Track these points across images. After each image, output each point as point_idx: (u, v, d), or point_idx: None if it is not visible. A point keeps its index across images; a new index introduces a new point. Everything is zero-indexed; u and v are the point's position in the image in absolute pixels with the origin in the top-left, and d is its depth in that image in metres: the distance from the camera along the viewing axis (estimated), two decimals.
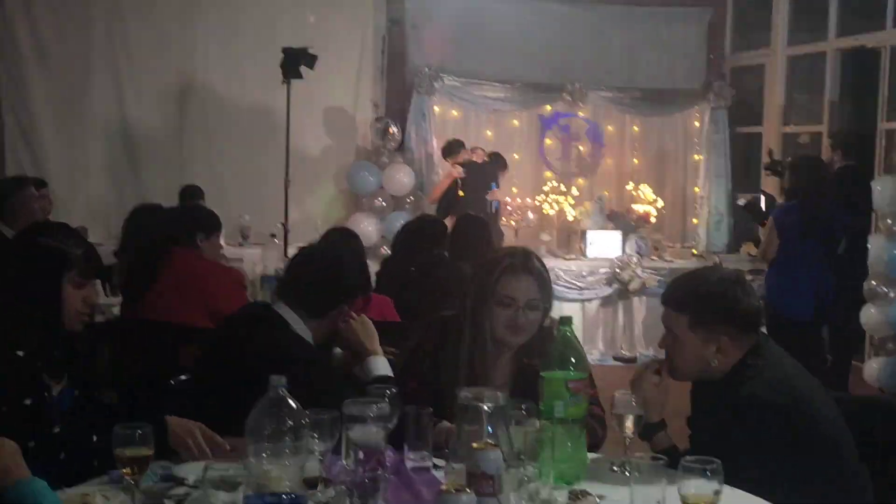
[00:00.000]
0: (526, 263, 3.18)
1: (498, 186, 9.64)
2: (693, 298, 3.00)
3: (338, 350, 3.29)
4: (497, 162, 9.85)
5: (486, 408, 2.49)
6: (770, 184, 8.88)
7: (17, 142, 9.50)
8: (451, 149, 9.84)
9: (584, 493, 2.60)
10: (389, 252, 6.88)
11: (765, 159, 8.69)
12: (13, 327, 3.04)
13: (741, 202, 9.29)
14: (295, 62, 8.73)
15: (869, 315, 8.16)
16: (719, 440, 2.80)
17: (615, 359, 9.39)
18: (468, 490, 2.12)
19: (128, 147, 9.94)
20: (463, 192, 9.44)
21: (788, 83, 10.79)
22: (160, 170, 9.70)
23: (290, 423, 2.20)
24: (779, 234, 7.10)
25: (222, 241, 6.80)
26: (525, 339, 3.15)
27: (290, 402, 2.23)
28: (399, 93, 10.58)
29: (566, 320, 2.89)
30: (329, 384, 3.01)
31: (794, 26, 10.67)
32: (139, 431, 2.44)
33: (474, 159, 9.71)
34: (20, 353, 2.96)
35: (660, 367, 3.05)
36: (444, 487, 2.15)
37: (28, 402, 2.93)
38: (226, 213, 9.06)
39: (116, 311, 5.59)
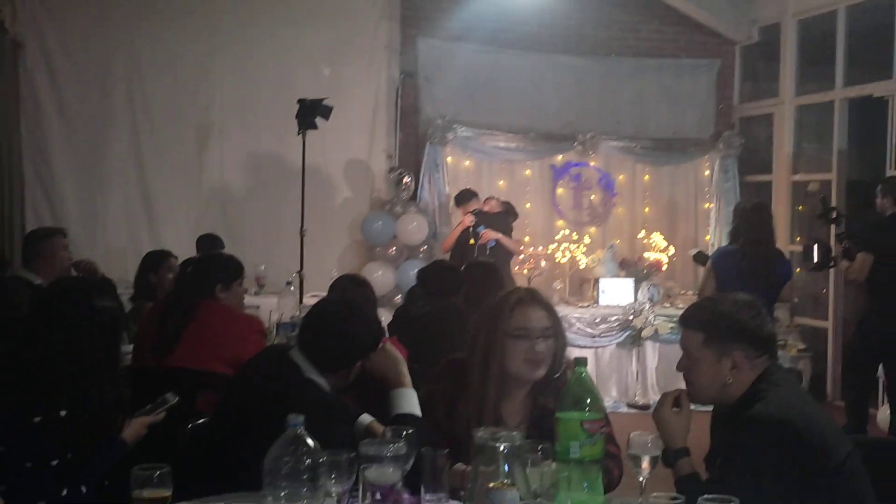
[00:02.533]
0: (534, 296, 3.23)
1: (505, 233, 9.62)
2: (707, 316, 3.07)
3: (363, 418, 3.24)
4: (509, 211, 9.87)
5: (502, 448, 2.49)
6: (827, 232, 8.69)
7: (37, 193, 9.51)
8: (463, 198, 9.86)
9: None
10: (402, 300, 6.89)
11: (818, 209, 8.57)
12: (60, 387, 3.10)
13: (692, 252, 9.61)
14: (310, 113, 8.78)
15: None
16: (730, 465, 2.85)
17: (629, 405, 9.35)
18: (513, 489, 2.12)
19: (145, 198, 9.95)
20: (475, 240, 9.45)
21: (797, 132, 10.78)
22: (176, 217, 9.72)
23: (308, 461, 2.19)
24: (716, 277, 7.15)
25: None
26: (543, 373, 3.13)
27: (308, 440, 2.23)
28: (412, 143, 10.59)
29: (581, 361, 2.88)
30: (344, 427, 3.00)
31: (801, 76, 10.69)
32: (158, 472, 2.44)
33: (487, 209, 9.72)
34: (62, 414, 3.02)
35: (680, 394, 3.08)
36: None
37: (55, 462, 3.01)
38: (243, 262, 9.16)
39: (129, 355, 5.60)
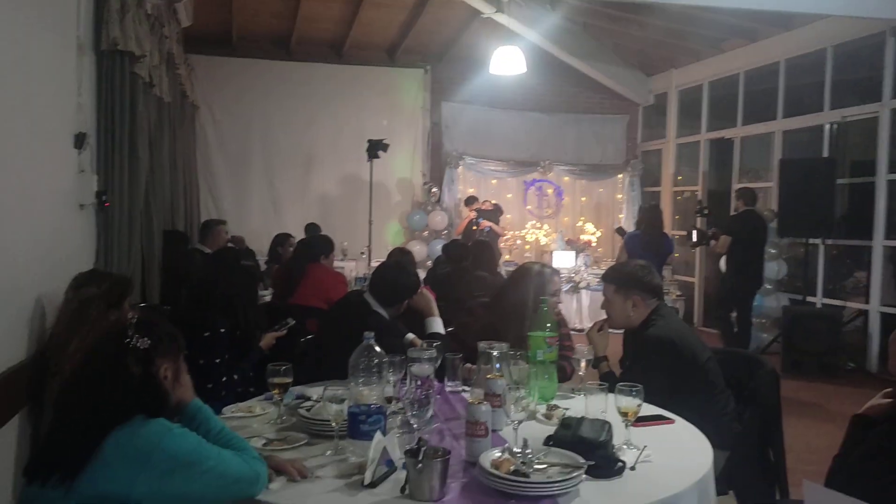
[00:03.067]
0: (556, 271, 3.26)
1: (495, 223, 9.60)
2: (617, 273, 3.12)
3: (409, 336, 3.22)
4: (498, 209, 9.85)
5: (495, 353, 2.49)
6: (699, 222, 8.69)
7: (207, 197, 9.59)
8: (469, 201, 9.88)
9: (555, 406, 2.58)
10: (432, 264, 6.88)
11: (696, 207, 8.73)
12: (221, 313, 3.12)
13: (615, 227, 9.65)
14: (375, 148, 8.77)
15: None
16: (635, 367, 2.88)
17: (571, 329, 9.30)
18: (485, 403, 2.10)
19: (273, 199, 10.02)
20: (476, 227, 9.44)
21: (677, 160, 10.74)
22: (293, 212, 9.74)
23: (376, 361, 2.19)
24: (627, 250, 7.24)
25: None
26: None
27: (376, 348, 2.22)
28: (438, 167, 10.57)
29: (544, 301, 2.87)
30: (397, 340, 3.00)
31: (680, 125, 10.63)
32: (283, 367, 2.45)
33: (484, 208, 9.71)
34: (222, 331, 3.04)
35: (602, 323, 3.10)
36: (470, 401, 2.13)
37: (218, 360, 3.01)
38: (333, 239, 9.16)
39: (268, 298, 5.62)
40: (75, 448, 1.57)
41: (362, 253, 9.19)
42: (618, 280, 3.05)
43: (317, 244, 5.29)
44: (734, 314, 7.45)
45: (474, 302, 3.35)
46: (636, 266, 3.09)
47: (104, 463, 1.55)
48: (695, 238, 7.98)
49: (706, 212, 8.33)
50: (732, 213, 7.56)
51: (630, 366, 2.95)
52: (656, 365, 2.78)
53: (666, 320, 2.97)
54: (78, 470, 1.54)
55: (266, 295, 5.76)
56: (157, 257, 4.79)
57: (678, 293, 10.04)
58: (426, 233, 10.14)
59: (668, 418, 2.51)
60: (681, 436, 2.38)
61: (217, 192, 9.80)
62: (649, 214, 7.35)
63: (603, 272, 3.28)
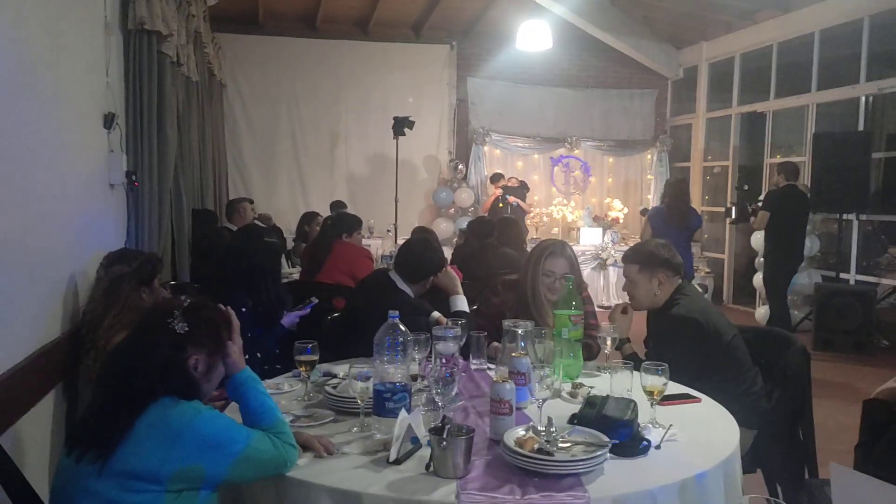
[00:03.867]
0: (563, 250, 3.12)
1: (521, 199, 9.54)
2: (639, 253, 3.06)
3: (434, 314, 3.23)
4: (524, 185, 9.78)
5: (520, 331, 2.48)
6: (738, 198, 8.45)
7: (235, 174, 9.66)
8: (495, 178, 9.80)
9: (581, 385, 2.57)
10: (458, 241, 6.87)
11: (735, 183, 8.47)
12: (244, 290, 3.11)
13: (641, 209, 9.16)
14: (401, 125, 8.75)
15: (757, 279, 8.04)
16: (659, 346, 2.84)
17: (598, 307, 9.26)
18: (509, 381, 2.10)
19: (300, 177, 10.06)
20: (503, 204, 9.40)
21: (706, 135, 10.55)
22: (319, 190, 9.78)
23: (401, 339, 2.19)
24: (652, 227, 6.96)
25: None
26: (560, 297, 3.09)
27: (401, 326, 2.22)
28: (464, 144, 10.51)
29: (569, 278, 2.86)
30: (423, 318, 3.00)
31: (710, 99, 10.43)
32: (310, 344, 2.46)
33: (510, 184, 9.66)
34: (244, 310, 3.02)
35: (625, 305, 3.07)
36: (495, 379, 2.13)
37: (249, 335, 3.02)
38: (359, 216, 9.16)
39: (296, 276, 5.66)
40: (111, 424, 1.60)
41: (388, 230, 9.22)
42: (641, 259, 3.01)
43: (342, 221, 5.30)
44: (758, 286, 7.30)
45: (498, 279, 3.33)
46: (657, 244, 3.06)
47: (136, 441, 1.58)
48: (734, 214, 7.83)
49: (746, 187, 8.09)
50: (772, 188, 7.33)
51: (654, 346, 2.92)
52: (681, 344, 2.75)
53: (690, 299, 2.93)
54: (113, 447, 1.57)
55: (294, 273, 5.81)
56: (186, 236, 4.85)
57: (707, 270, 9.93)
58: (452, 210, 10.12)
59: (695, 397, 2.49)
60: (707, 415, 2.36)
61: (245, 171, 9.87)
62: (675, 188, 7.10)
63: (623, 253, 3.22)
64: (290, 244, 7.20)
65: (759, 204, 7.25)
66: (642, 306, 3.04)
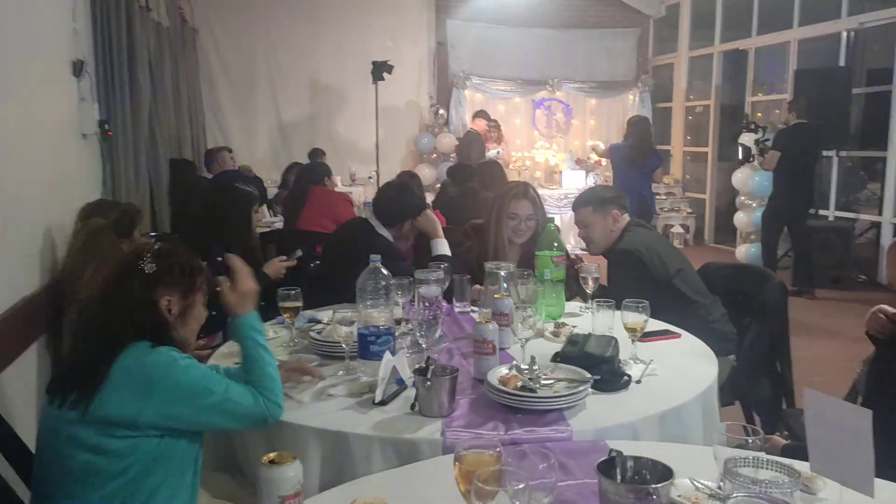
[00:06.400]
0: (526, 191, 3.14)
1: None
2: (590, 195, 3.17)
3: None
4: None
5: (503, 273, 2.50)
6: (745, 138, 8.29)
7: (213, 124, 9.51)
8: (479, 114, 9.70)
9: (563, 324, 2.60)
10: (440, 186, 6.84)
11: (742, 123, 8.23)
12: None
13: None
14: (380, 70, 8.62)
15: (738, 218, 8.10)
16: (610, 283, 2.95)
17: (581, 249, 9.30)
18: (492, 322, 2.12)
19: (280, 125, 9.93)
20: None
21: (689, 74, 10.48)
22: (299, 137, 9.65)
23: (383, 283, 2.20)
24: (612, 165, 7.06)
25: (338, 181, 6.91)
26: (525, 240, 3.11)
27: (383, 270, 2.22)
28: (445, 88, 10.37)
29: (550, 220, 2.87)
30: (403, 263, 3.00)
31: (692, 38, 10.33)
32: (293, 291, 2.47)
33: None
34: (219, 259, 2.96)
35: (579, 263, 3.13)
36: (477, 320, 2.15)
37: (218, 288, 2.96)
38: (340, 165, 9.13)
39: (279, 225, 5.63)
40: (88, 369, 1.59)
41: (370, 177, 9.15)
42: (593, 200, 3.09)
43: (315, 168, 5.26)
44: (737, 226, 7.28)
45: (469, 224, 3.33)
46: (601, 187, 3.33)
47: (113, 387, 1.57)
48: (740, 154, 7.77)
49: (753, 126, 7.92)
50: (782, 125, 7.20)
51: (608, 283, 2.96)
52: (627, 277, 2.84)
53: (633, 234, 3.02)
54: (92, 391, 1.56)
55: (276, 222, 5.78)
56: (164, 186, 4.79)
57: (689, 210, 9.99)
58: (434, 156, 10.05)
59: (675, 333, 2.53)
60: (686, 349, 2.40)
61: (223, 120, 9.69)
62: (638, 127, 6.94)
63: (573, 202, 3.24)
64: (272, 193, 7.13)
65: (768, 143, 7.12)
66: (599, 249, 3.10)
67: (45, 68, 2.98)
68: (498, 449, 1.27)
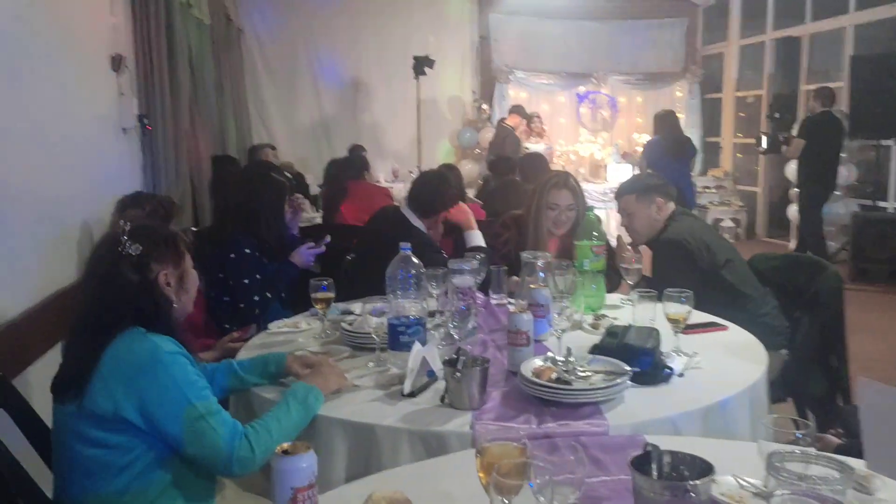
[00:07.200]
0: (566, 181, 3.04)
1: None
2: (633, 183, 3.08)
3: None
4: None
5: (540, 262, 2.42)
6: (768, 127, 8.21)
7: (257, 122, 9.57)
8: (514, 110, 9.51)
9: (603, 316, 2.51)
10: (481, 180, 6.79)
11: (768, 113, 8.19)
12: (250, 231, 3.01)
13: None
14: (421, 65, 8.58)
15: (792, 211, 7.84)
16: (656, 275, 2.82)
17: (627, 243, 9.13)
18: (527, 312, 2.04)
19: (322, 121, 9.93)
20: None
21: (739, 63, 10.18)
22: (342, 134, 9.64)
23: (413, 272, 2.14)
24: (647, 159, 6.97)
25: (380, 177, 6.90)
26: (565, 231, 3.01)
27: (413, 259, 2.16)
28: (488, 83, 10.26)
29: (590, 209, 2.77)
30: (438, 255, 2.94)
31: (743, 26, 10.03)
32: (325, 282, 2.42)
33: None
34: (247, 251, 2.93)
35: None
36: (512, 310, 2.07)
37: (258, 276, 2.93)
38: (383, 161, 9.13)
39: (318, 220, 5.62)
40: (80, 360, 1.54)
41: (411, 172, 9.11)
42: (637, 188, 2.99)
43: (352, 162, 5.24)
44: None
45: (508, 214, 3.25)
46: (647, 174, 3.16)
47: (101, 379, 1.51)
48: (764, 144, 7.60)
49: (776, 115, 7.81)
50: (807, 114, 7.08)
51: (652, 275, 2.85)
52: (674, 268, 2.73)
53: (679, 223, 2.91)
54: (84, 383, 1.51)
55: (316, 217, 5.77)
56: (206, 181, 4.82)
57: (740, 204, 9.71)
58: (477, 150, 9.96)
59: (722, 325, 2.42)
60: (734, 342, 2.28)
61: (268, 119, 9.75)
62: (666, 120, 7.01)
63: (615, 191, 3.16)
64: (315, 190, 7.13)
65: (793, 132, 7.03)
66: (642, 238, 3.00)
67: (84, 63, 3.00)
68: (523, 441, 1.19)
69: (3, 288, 2.18)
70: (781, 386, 2.69)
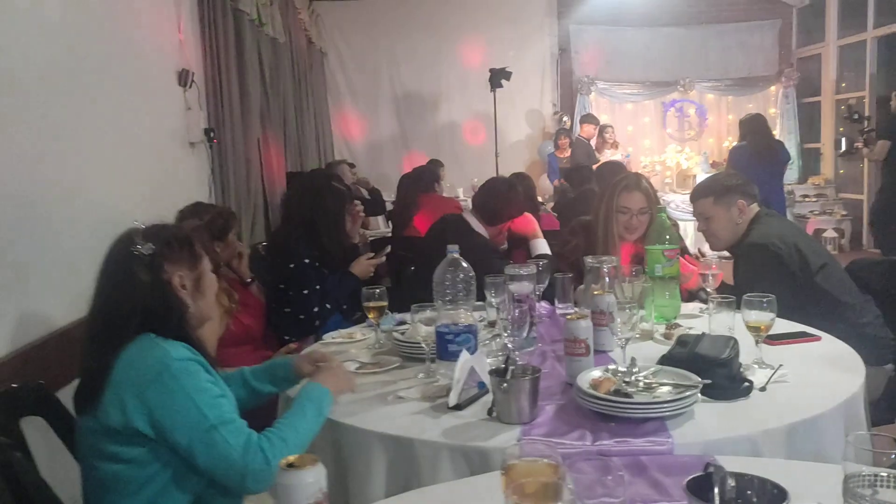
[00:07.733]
0: (638, 183, 2.83)
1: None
2: (711, 185, 2.82)
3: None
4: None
5: (604, 268, 2.24)
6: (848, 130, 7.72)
7: (339, 139, 9.76)
8: (585, 118, 9.31)
9: (676, 325, 2.30)
10: (558, 191, 6.64)
11: (844, 114, 7.66)
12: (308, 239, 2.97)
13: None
14: (498, 77, 8.48)
15: None
16: (740, 282, 2.55)
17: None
18: (585, 319, 1.87)
19: (402, 138, 10.01)
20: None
21: (839, 65, 9.59)
22: (420, 150, 9.62)
23: (462, 276, 2.00)
24: (733, 167, 6.41)
25: (460, 192, 6.86)
26: (637, 236, 2.80)
27: (463, 263, 2.03)
28: (568, 95, 10.08)
29: (662, 209, 2.57)
30: (499, 261, 2.79)
31: (841, 24, 9.44)
32: (378, 290, 2.33)
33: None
34: (306, 261, 2.90)
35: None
36: (568, 317, 1.90)
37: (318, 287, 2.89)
38: (460, 177, 9.06)
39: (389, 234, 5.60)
40: (94, 370, 1.47)
41: None
42: (715, 190, 2.73)
43: (422, 174, 5.18)
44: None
45: (576, 220, 3.07)
46: (726, 175, 2.88)
47: (112, 387, 1.44)
48: (843, 147, 7.13)
49: (856, 116, 7.27)
50: (893, 113, 6.55)
51: (735, 283, 2.59)
52: (761, 275, 2.45)
53: (766, 225, 2.65)
54: (99, 394, 1.44)
55: (388, 232, 5.75)
56: (279, 197, 4.85)
57: (844, 213, 9.09)
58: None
59: (814, 335, 2.16)
60: (827, 354, 2.02)
61: (350, 139, 9.93)
62: (752, 124, 6.60)
63: (690, 194, 2.91)
64: (391, 206, 7.14)
65: (873, 133, 6.50)
66: (722, 243, 2.76)
67: (151, 78, 3.04)
68: (556, 458, 1.03)
69: (57, 296, 2.19)
70: (887, 405, 2.39)
